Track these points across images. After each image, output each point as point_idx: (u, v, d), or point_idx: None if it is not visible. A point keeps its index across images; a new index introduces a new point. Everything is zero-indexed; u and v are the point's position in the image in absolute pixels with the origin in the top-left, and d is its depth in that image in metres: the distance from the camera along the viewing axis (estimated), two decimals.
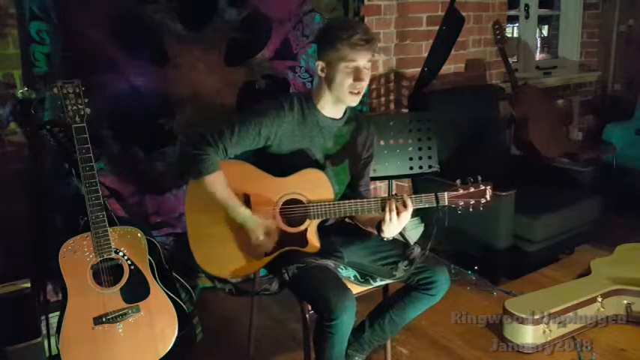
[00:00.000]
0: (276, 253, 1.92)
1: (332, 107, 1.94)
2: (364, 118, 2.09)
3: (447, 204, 1.84)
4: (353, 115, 2.02)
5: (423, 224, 3.47)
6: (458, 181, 1.86)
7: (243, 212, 1.84)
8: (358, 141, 2.03)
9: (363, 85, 1.84)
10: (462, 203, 1.84)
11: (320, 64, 1.86)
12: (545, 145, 3.58)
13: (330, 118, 1.95)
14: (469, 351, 2.42)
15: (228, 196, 1.84)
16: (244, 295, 2.04)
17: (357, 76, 1.82)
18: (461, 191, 1.84)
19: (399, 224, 1.82)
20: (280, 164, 1.90)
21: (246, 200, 1.88)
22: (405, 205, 1.80)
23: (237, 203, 1.84)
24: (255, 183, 1.89)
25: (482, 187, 1.85)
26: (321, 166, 1.95)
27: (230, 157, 1.88)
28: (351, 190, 2.08)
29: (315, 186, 1.90)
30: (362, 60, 1.81)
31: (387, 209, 1.80)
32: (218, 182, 1.83)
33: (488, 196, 1.86)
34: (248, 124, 1.85)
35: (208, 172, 1.81)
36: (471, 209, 1.85)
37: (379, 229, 1.87)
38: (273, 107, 1.89)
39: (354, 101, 1.88)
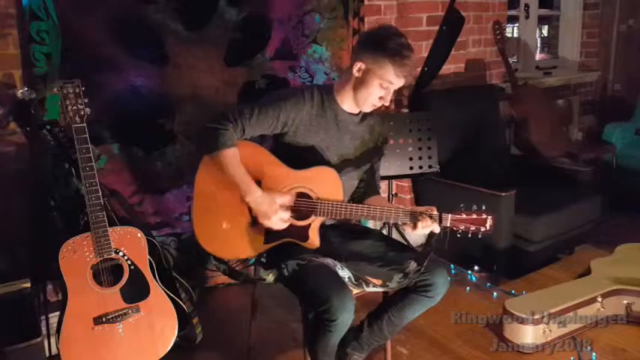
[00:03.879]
0: (276, 243, 1.92)
1: (351, 103, 1.97)
2: (378, 115, 2.10)
3: (448, 225, 1.87)
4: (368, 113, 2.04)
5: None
6: (462, 206, 1.88)
7: (254, 191, 1.83)
8: (372, 138, 2.06)
9: (385, 104, 1.92)
10: (462, 227, 1.87)
11: (359, 65, 1.87)
12: (545, 145, 3.58)
13: (348, 113, 1.98)
14: (469, 351, 2.42)
15: (242, 173, 1.83)
16: (236, 279, 2.03)
17: (385, 96, 1.88)
18: (464, 215, 1.87)
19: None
20: (292, 156, 1.91)
21: (258, 184, 1.88)
22: (439, 221, 1.86)
23: (250, 181, 1.83)
24: (270, 169, 1.89)
25: (484, 216, 1.88)
26: (332, 165, 1.96)
27: (246, 138, 1.89)
28: (363, 186, 2.10)
29: (326, 184, 1.91)
30: (399, 85, 1.88)
31: (420, 225, 1.84)
32: (234, 158, 1.83)
33: (488, 226, 1.88)
34: (268, 106, 1.87)
35: (226, 147, 1.81)
36: (469, 235, 1.88)
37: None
38: (294, 94, 1.92)
39: (369, 109, 1.95)
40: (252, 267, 2.17)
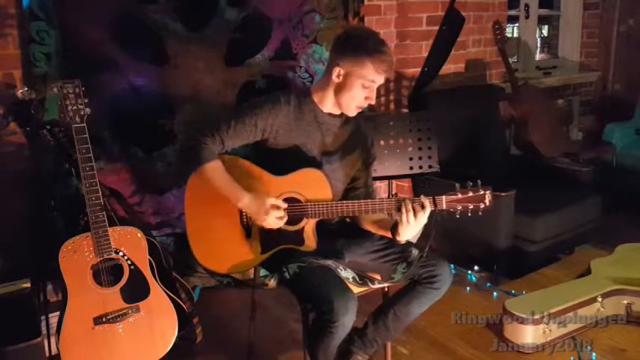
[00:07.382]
0: (273, 251, 1.93)
1: (332, 106, 1.96)
2: (362, 119, 2.09)
3: (444, 208, 1.80)
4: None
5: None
6: (457, 185, 1.81)
7: (243, 196, 1.82)
8: (357, 141, 2.05)
9: (371, 103, 1.90)
10: (460, 207, 1.79)
11: (338, 70, 1.86)
12: (545, 145, 3.58)
13: (328, 114, 1.97)
14: (469, 351, 2.42)
15: (229, 183, 1.83)
16: (242, 288, 2.05)
17: (370, 95, 1.87)
18: (459, 195, 1.79)
19: (416, 225, 1.79)
20: (277, 160, 1.91)
21: None
22: (422, 206, 1.77)
23: (237, 188, 1.83)
24: (254, 181, 1.90)
25: (482, 192, 1.79)
26: (318, 164, 1.95)
27: (227, 150, 1.90)
28: (352, 191, 2.08)
29: (313, 185, 1.90)
30: (380, 82, 1.86)
31: (404, 210, 1.77)
32: (217, 169, 1.84)
33: (487, 201, 1.80)
34: (245, 116, 1.87)
35: (207, 160, 1.82)
36: (469, 214, 1.80)
37: (394, 232, 1.84)
38: (269, 101, 1.91)
39: (355, 112, 1.94)
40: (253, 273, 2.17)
